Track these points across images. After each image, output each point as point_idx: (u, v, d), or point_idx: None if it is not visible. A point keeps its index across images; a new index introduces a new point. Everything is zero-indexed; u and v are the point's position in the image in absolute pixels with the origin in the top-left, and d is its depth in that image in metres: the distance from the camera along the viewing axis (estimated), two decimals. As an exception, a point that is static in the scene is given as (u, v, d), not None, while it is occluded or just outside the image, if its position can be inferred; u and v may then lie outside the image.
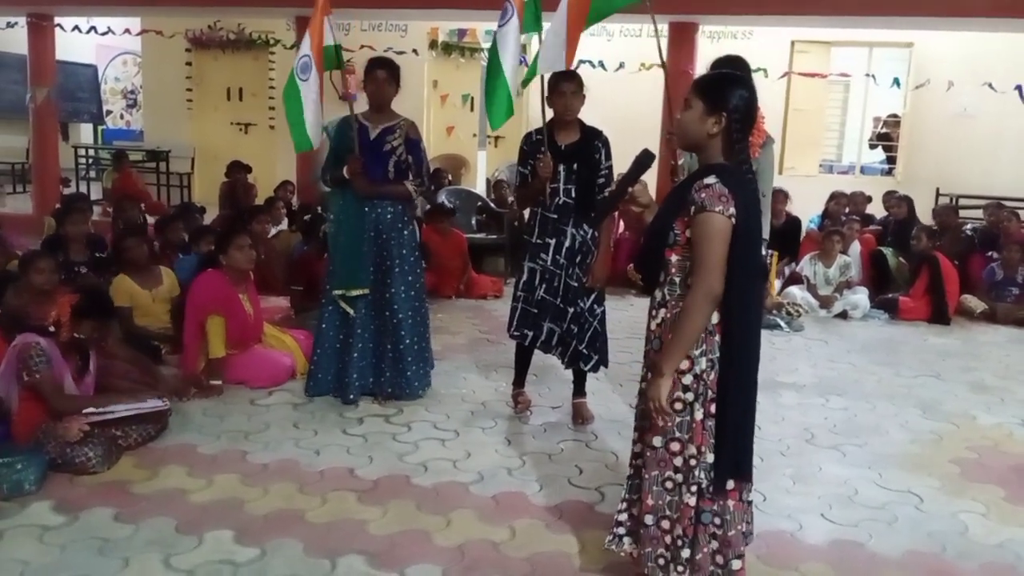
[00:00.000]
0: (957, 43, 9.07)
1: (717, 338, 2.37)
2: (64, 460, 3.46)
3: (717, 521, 2.43)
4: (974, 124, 9.63)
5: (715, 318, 2.35)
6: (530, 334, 4.21)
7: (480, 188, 10.88)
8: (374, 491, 3.43)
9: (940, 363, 5.81)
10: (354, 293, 4.36)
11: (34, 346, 3.51)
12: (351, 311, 4.39)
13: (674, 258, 2.41)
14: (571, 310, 4.12)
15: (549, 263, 4.13)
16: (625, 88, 9.52)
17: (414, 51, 10.36)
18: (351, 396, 4.41)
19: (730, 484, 2.43)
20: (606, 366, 4.26)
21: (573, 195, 4.09)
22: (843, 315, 7.11)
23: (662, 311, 2.46)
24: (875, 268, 7.73)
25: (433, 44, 11.50)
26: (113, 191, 9.94)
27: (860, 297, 7.25)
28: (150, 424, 3.83)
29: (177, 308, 5.22)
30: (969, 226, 8.35)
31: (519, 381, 4.50)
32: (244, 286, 4.80)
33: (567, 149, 4.10)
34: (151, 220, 7.06)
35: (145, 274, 5.29)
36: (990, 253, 7.67)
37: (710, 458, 2.39)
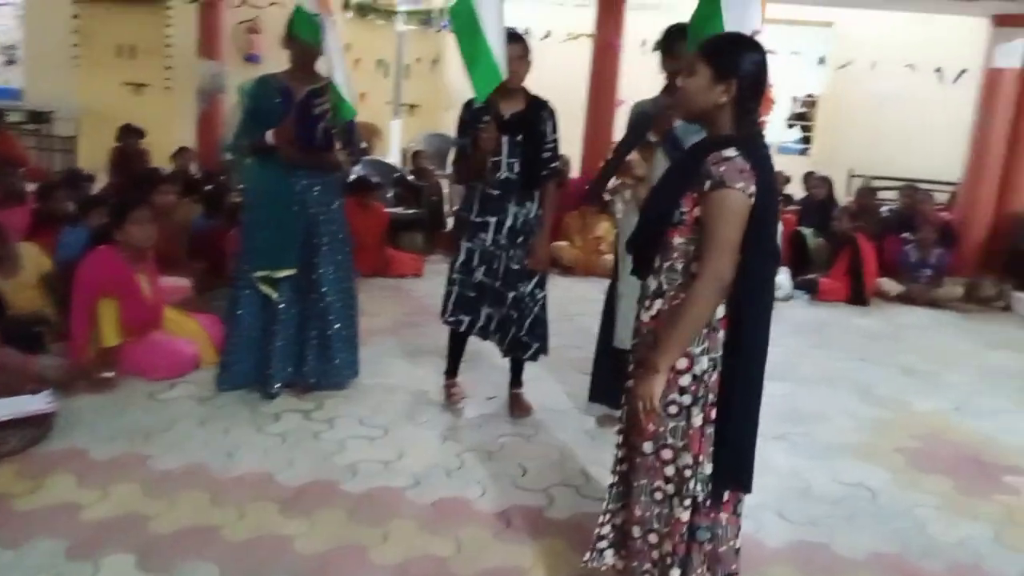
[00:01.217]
0: (877, 24, 9.13)
1: (721, 334, 2.11)
2: (-74, 472, 2.95)
3: (709, 536, 2.18)
4: (891, 107, 9.77)
5: (720, 311, 2.09)
6: (466, 320, 3.89)
7: (393, 158, 10.42)
8: (298, 500, 3.06)
9: (868, 346, 5.80)
10: (279, 274, 3.93)
11: None
12: (274, 294, 3.96)
13: (677, 240, 2.13)
14: (511, 294, 3.82)
15: (489, 243, 3.82)
16: (551, 59, 9.25)
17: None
18: (274, 388, 3.99)
19: (726, 495, 2.19)
20: (546, 354, 3.99)
21: (516, 170, 3.77)
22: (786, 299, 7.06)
23: (658, 301, 2.18)
24: (794, 249, 7.73)
25: (347, 4, 10.90)
26: (-13, 154, 9.00)
27: (783, 278, 7.22)
28: (31, 426, 3.33)
29: (58, 285, 4.64)
30: (885, 208, 8.46)
31: (452, 371, 4.17)
32: (142, 265, 4.29)
33: (511, 119, 3.76)
34: (31, 187, 6.32)
35: (2, 261, 4.46)
36: (904, 235, 7.78)
37: (708, 469, 2.14)
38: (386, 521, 2.93)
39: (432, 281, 7.10)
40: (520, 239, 3.82)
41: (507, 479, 3.32)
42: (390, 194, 8.24)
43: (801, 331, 6.07)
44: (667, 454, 2.18)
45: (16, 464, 3.18)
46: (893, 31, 9.05)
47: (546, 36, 8.96)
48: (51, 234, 5.25)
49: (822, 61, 8.35)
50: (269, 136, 3.85)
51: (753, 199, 2.03)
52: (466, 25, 3.53)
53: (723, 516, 2.19)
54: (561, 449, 3.65)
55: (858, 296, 7.05)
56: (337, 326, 4.08)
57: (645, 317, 2.23)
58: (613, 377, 3.88)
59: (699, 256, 2.10)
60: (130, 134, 8.49)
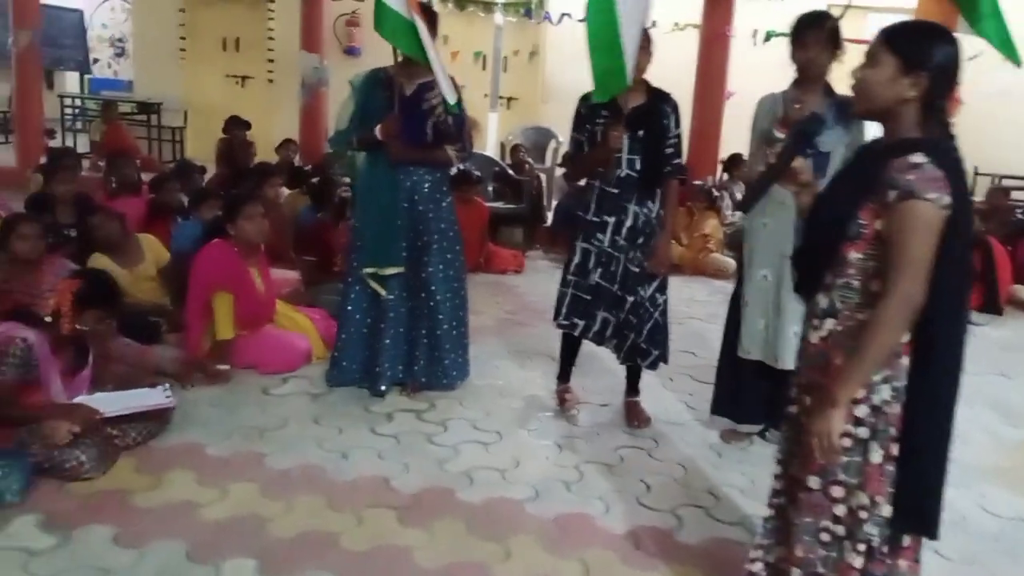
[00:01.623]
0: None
1: (904, 360, 1.88)
2: (52, 464, 2.95)
3: None
4: (1015, 100, 9.12)
5: (904, 335, 1.86)
6: (581, 324, 3.72)
7: (491, 152, 10.32)
8: (416, 508, 2.95)
9: (1005, 358, 5.37)
10: (387, 272, 3.84)
11: (17, 342, 2.97)
12: (383, 291, 3.87)
13: (854, 255, 1.91)
14: (630, 299, 3.63)
15: (607, 244, 3.64)
16: (658, 51, 8.95)
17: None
18: (382, 387, 3.91)
19: (906, 540, 1.96)
20: (666, 362, 3.79)
21: (637, 167, 3.58)
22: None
23: (829, 321, 1.97)
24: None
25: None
26: (102, 145, 9.30)
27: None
28: (151, 421, 3.32)
29: (172, 277, 4.69)
30: (1019, 209, 7.89)
31: (564, 375, 4.01)
32: (255, 259, 4.27)
33: (632, 114, 3.57)
34: (146, 178, 6.45)
35: (122, 251, 4.58)
36: (1040, 238, 7.23)
37: (886, 511, 1.92)
38: (507, 536, 2.79)
39: (533, 277, 6.97)
40: (640, 240, 3.63)
41: (630, 496, 3.14)
42: (489, 188, 8.14)
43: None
44: (838, 491, 1.96)
45: (135, 458, 3.18)
46: (1014, 18, 8.41)
47: (651, 26, 8.65)
48: (164, 225, 5.32)
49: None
50: (377, 131, 3.75)
51: (947, 212, 1.79)
52: (602, 19, 3.33)
53: (902, 563, 1.97)
54: (685, 465, 3.45)
55: (991, 304, 6.56)
56: (446, 326, 3.98)
57: (814, 338, 2.01)
58: (737, 389, 3.66)
59: (880, 273, 1.87)
60: (237, 125, 8.62)
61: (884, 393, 1.90)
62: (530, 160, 8.46)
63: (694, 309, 6.04)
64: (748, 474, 3.40)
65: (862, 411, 1.91)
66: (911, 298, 1.79)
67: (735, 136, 8.32)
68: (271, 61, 11.07)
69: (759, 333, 3.51)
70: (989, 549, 2.95)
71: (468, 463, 3.32)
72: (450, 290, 3.98)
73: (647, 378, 4.07)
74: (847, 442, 1.92)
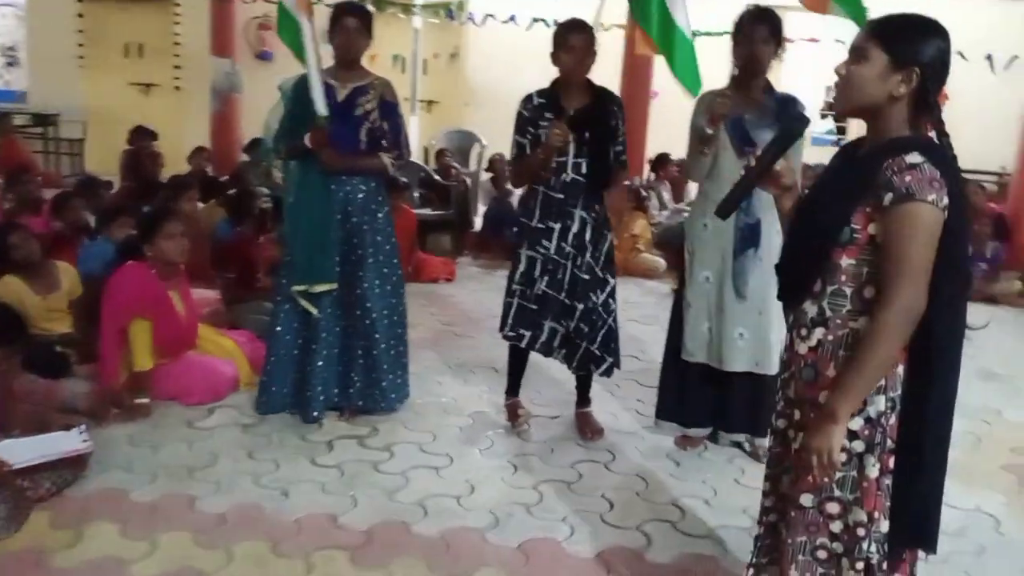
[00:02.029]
0: (918, 10, 8.76)
1: (900, 369, 1.78)
2: (-47, 525, 2.62)
3: None
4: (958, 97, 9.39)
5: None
6: (528, 334, 3.57)
7: (414, 157, 10.08)
8: (369, 547, 2.73)
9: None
10: (319, 289, 3.60)
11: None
12: (314, 310, 3.62)
13: (846, 261, 1.80)
14: (580, 306, 3.50)
15: (553, 251, 3.50)
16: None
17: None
18: (315, 413, 3.66)
19: (903, 553, 1.86)
20: (619, 368, 3.66)
21: (583, 170, 3.46)
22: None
23: (818, 331, 1.85)
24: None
25: (362, -1, 10.53)
26: (-5, 161, 8.66)
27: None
28: (66, 468, 3.00)
29: (83, 307, 4.31)
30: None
31: (513, 389, 3.84)
32: (174, 280, 3.96)
33: (577, 115, 3.44)
34: (46, 196, 5.99)
35: (38, 275, 4.15)
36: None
37: (884, 526, 1.81)
38: (471, 571, 2.60)
39: (465, 285, 6.78)
40: (589, 245, 3.50)
41: (594, 515, 3.00)
42: (415, 195, 7.91)
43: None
44: (833, 508, 1.85)
45: (50, 511, 2.85)
46: (935, 16, 8.68)
47: (604, 28, 8.58)
48: (70, 247, 4.92)
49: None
50: (306, 139, 3.52)
51: (946, 214, 1.70)
52: (660, 17, 3.58)
53: (898, 578, 1.87)
54: (644, 477, 3.33)
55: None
56: (384, 345, 3.76)
57: (802, 348, 1.89)
58: (682, 392, 3.57)
59: (873, 280, 1.77)
60: (142, 136, 8.15)
61: (880, 404, 1.79)
62: (456, 165, 8.27)
63: (630, 311, 5.94)
64: (709, 483, 3.30)
65: (857, 424, 1.80)
66: (912, 306, 1.69)
67: (661, 136, 8.35)
68: (178, 67, 10.56)
69: (703, 335, 3.43)
70: (957, 548, 2.91)
71: (420, 491, 3.12)
72: (387, 306, 3.76)
73: (592, 387, 3.94)
74: (842, 457, 1.80)
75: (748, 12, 3.25)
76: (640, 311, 6.00)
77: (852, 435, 1.80)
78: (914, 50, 1.74)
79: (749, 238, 3.26)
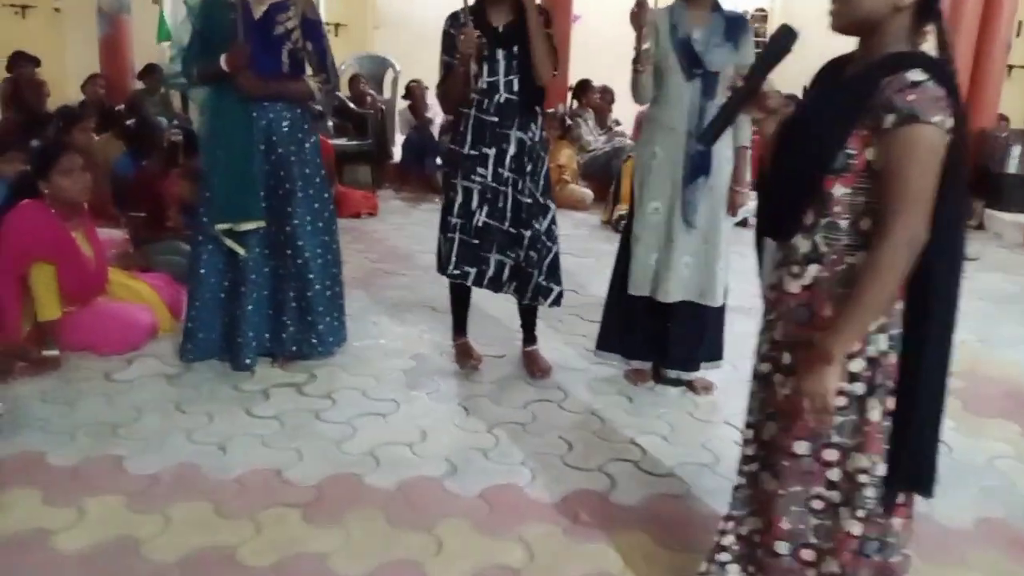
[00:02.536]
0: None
1: (900, 306, 1.69)
2: None
3: (878, 547, 1.80)
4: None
5: None
6: (473, 271, 3.40)
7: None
8: (321, 503, 2.55)
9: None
10: (245, 227, 3.31)
11: None
12: (241, 250, 3.34)
13: (840, 191, 1.67)
14: (527, 233, 3.34)
15: (490, 179, 3.32)
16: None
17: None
18: (247, 360, 3.42)
19: (900, 497, 1.81)
20: (563, 296, 3.53)
21: (515, 88, 3.26)
22: (743, 223, 6.75)
23: (812, 267, 1.73)
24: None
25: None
26: None
27: (752, 204, 6.93)
28: (-29, 431, 2.69)
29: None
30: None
31: (460, 328, 3.68)
32: (77, 220, 3.59)
33: (505, 31, 3.24)
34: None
35: None
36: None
37: (882, 470, 1.74)
38: (434, 523, 2.46)
39: (389, 219, 6.53)
40: (529, 168, 3.33)
41: (554, 457, 2.89)
42: (329, 123, 7.51)
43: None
44: (831, 455, 1.77)
45: (-43, 480, 2.56)
46: None
47: None
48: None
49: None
50: (222, 61, 3.18)
51: (951, 136, 1.59)
52: None
53: (896, 522, 1.81)
54: (599, 415, 3.24)
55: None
56: (318, 286, 3.52)
57: (793, 287, 1.78)
58: (626, 326, 3.47)
59: (870, 210, 1.66)
60: (23, 62, 7.41)
61: (881, 343, 1.70)
62: (372, 92, 7.87)
63: (563, 244, 5.72)
64: (664, 418, 3.24)
65: (858, 365, 1.71)
66: (915, 236, 1.59)
67: (582, 62, 8.14)
68: (56, -15, 9.61)
69: (649, 268, 3.32)
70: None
71: (369, 441, 2.94)
72: (320, 244, 3.51)
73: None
74: (841, 400, 1.72)
75: None
76: (573, 244, 5.88)
77: (853, 377, 1.71)
78: None
79: (700, 165, 3.14)
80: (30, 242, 3.32)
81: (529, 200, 3.33)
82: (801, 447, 1.79)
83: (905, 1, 1.62)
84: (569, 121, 7.47)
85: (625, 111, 8.99)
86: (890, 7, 1.63)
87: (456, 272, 3.42)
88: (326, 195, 3.54)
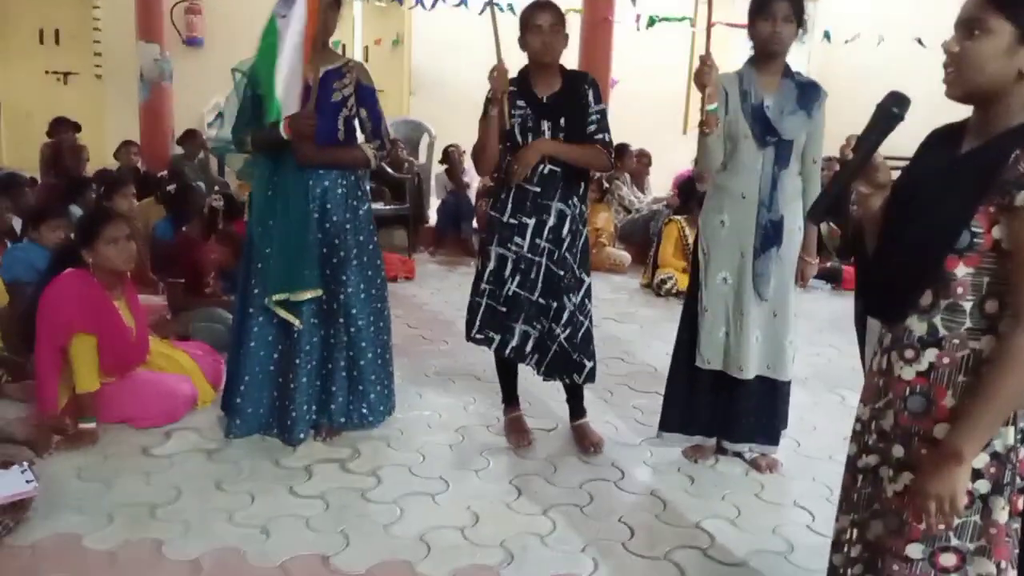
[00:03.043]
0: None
1: None
2: None
3: None
4: (880, 81, 9.38)
5: None
6: (497, 338, 3.30)
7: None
8: (372, 595, 2.39)
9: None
10: (302, 297, 3.22)
11: None
12: (297, 322, 3.24)
13: (963, 270, 1.54)
14: (554, 304, 3.23)
15: (526, 249, 3.23)
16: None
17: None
18: (300, 435, 3.29)
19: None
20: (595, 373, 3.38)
21: (560, 160, 3.18)
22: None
23: (930, 352, 1.59)
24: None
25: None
26: None
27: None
28: (7, 513, 2.56)
29: (12, 319, 3.83)
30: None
31: (510, 398, 3.55)
32: (120, 289, 3.52)
33: (549, 101, 3.20)
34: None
35: None
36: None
37: None
38: (494, 619, 2.29)
39: (427, 284, 6.44)
40: (567, 241, 3.24)
41: (615, 544, 2.71)
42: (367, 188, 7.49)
43: (839, 327, 5.59)
44: (949, 560, 1.60)
45: (-10, 566, 2.43)
46: (873, 4, 8.65)
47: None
48: (-9, 253, 4.40)
49: (827, 36, 7.90)
50: (282, 129, 3.11)
51: None
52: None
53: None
54: (660, 496, 3.06)
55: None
56: (370, 355, 3.43)
57: (907, 373, 1.63)
58: (690, 402, 3.30)
59: (997, 291, 1.53)
60: (64, 128, 7.50)
61: (1009, 437, 1.55)
62: (410, 157, 7.88)
63: (604, 309, 5.69)
64: (729, 499, 3.05)
65: (982, 460, 1.55)
66: None
67: (621, 125, 8.11)
68: (98, 55, 9.81)
69: (719, 341, 3.17)
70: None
71: (418, 524, 2.78)
72: (373, 311, 3.42)
73: (585, 393, 3.65)
74: (963, 500, 1.55)
75: None
76: (614, 308, 5.76)
77: (976, 474, 1.55)
78: None
79: (772, 236, 3.02)
80: (73, 313, 3.24)
81: (562, 272, 3.24)
82: (915, 550, 1.62)
83: None
84: (607, 184, 7.40)
85: (660, 175, 8.97)
86: (1013, 74, 1.52)
87: (480, 336, 3.33)
88: (378, 261, 3.46)
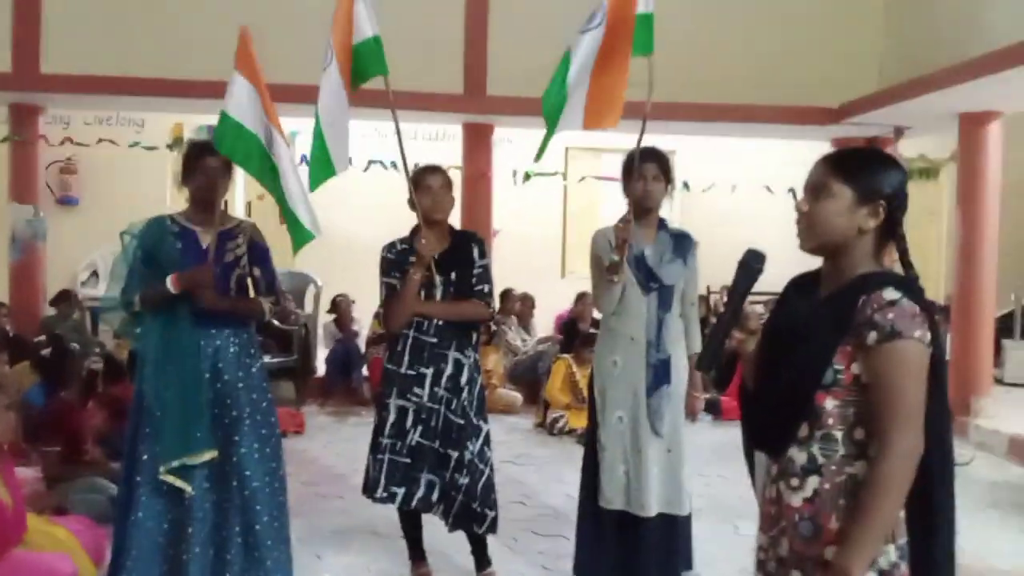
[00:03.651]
0: (712, 149, 9.58)
1: (901, 513, 1.71)
2: None
3: None
4: (734, 226, 10.16)
5: None
6: (401, 491, 3.34)
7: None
8: None
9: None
10: (197, 460, 3.13)
11: None
12: (188, 488, 3.13)
13: (830, 404, 1.73)
14: (454, 455, 3.32)
15: (426, 398, 3.33)
16: (401, 189, 8.86)
17: (166, 146, 8.97)
18: (193, 610, 3.12)
19: None
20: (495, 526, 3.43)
21: None
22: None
23: (812, 479, 1.75)
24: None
25: (177, 141, 10.07)
26: None
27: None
28: None
29: None
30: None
31: (416, 552, 3.52)
32: (-4, 464, 3.32)
33: (441, 259, 3.39)
34: None
35: None
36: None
37: None
38: None
39: (318, 437, 6.32)
40: (465, 389, 3.36)
41: None
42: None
43: (725, 456, 5.82)
44: None
45: None
46: (725, 153, 9.55)
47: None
48: None
49: (685, 186, 8.61)
50: (170, 282, 3.12)
51: (931, 349, 1.69)
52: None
53: None
54: (573, 642, 3.06)
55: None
56: (266, 518, 3.29)
57: (795, 500, 1.78)
58: (599, 543, 3.37)
59: (862, 420, 1.72)
60: (-75, 292, 7.13)
61: (891, 554, 1.70)
62: (297, 309, 7.87)
63: (500, 451, 5.63)
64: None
65: (868, 580, 1.69)
66: (913, 448, 1.64)
67: (505, 270, 8.42)
68: (-34, 210, 9.49)
69: (620, 480, 3.30)
70: None
71: None
72: (268, 471, 3.33)
73: (488, 541, 3.66)
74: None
75: (641, 150, 3.33)
76: (510, 450, 5.81)
77: (865, 594, 1.69)
78: (878, 182, 1.76)
79: (662, 374, 3.23)
80: (-58, 492, 3.03)
81: (462, 420, 3.34)
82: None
83: (869, 224, 1.76)
84: (494, 327, 7.60)
85: (543, 316, 9.30)
86: (855, 231, 1.77)
87: (384, 495, 3.36)
88: (272, 418, 3.41)
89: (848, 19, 7.77)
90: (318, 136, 3.36)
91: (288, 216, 3.28)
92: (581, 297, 8.69)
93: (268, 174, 3.28)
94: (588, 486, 3.38)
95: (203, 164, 3.27)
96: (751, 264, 1.89)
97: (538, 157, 3.61)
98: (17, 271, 7.85)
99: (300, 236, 3.30)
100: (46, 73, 7.28)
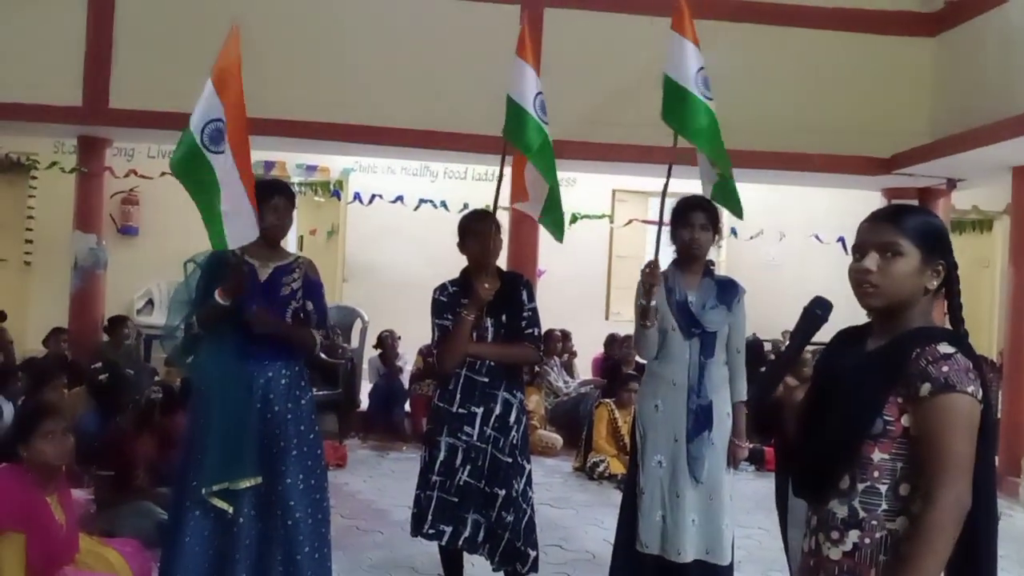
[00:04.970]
0: (762, 196, 9.57)
1: None
2: None
3: None
4: (779, 272, 10.10)
5: None
6: (448, 530, 3.38)
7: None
8: None
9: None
10: (242, 485, 3.22)
11: None
12: (230, 508, 3.22)
13: (878, 456, 1.75)
14: (502, 493, 3.35)
15: (476, 438, 3.38)
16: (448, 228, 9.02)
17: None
18: (236, 634, 3.18)
19: None
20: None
21: None
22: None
23: (854, 533, 1.76)
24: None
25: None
26: None
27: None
28: None
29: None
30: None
31: (458, 593, 3.52)
32: (52, 485, 3.44)
33: (491, 301, 3.44)
34: None
35: None
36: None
37: None
38: None
39: (359, 471, 6.38)
40: (513, 429, 3.41)
41: None
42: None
43: (767, 507, 5.74)
44: None
45: None
46: (773, 205, 9.54)
47: (463, 209, 8.80)
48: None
49: (733, 233, 8.61)
50: (218, 295, 3.18)
51: (982, 404, 1.70)
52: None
53: None
54: None
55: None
56: (307, 549, 3.37)
57: (834, 553, 1.79)
58: None
59: (909, 476, 1.73)
60: (-9, 316, 7.42)
61: (932, 609, 1.70)
62: (343, 344, 8.00)
63: (539, 493, 5.65)
64: None
65: (908, 634, 1.69)
66: (961, 503, 1.64)
67: (549, 311, 8.46)
68: (29, 242, 9.87)
69: (657, 525, 3.30)
70: None
71: None
72: (311, 503, 3.41)
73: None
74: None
75: (687, 200, 3.39)
76: (549, 493, 5.80)
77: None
78: (941, 244, 1.81)
79: (703, 420, 3.24)
80: (4, 512, 3.15)
81: (509, 459, 3.40)
82: None
83: (933, 284, 1.80)
84: (537, 368, 7.63)
85: (585, 359, 9.30)
86: (919, 292, 1.80)
87: (431, 532, 3.41)
88: (319, 451, 3.51)
89: (898, 69, 7.75)
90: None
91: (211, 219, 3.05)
92: (612, 340, 8.74)
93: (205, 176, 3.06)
94: (624, 529, 3.39)
95: (271, 204, 3.39)
96: (815, 311, 1.92)
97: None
98: (77, 298, 8.11)
99: (214, 236, 3.06)
100: (114, 108, 7.59)
